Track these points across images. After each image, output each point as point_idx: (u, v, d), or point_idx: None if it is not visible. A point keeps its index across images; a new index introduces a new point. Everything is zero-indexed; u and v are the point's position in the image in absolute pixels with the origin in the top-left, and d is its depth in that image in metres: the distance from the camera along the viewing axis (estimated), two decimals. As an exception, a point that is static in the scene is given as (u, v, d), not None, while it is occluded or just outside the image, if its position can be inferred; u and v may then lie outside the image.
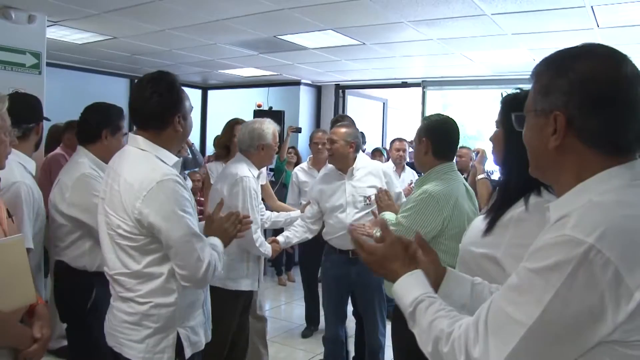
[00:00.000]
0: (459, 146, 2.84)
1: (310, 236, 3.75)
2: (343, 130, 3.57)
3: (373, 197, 3.38)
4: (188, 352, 2.04)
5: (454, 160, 2.72)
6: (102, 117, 2.76)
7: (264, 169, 4.16)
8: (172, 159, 2.05)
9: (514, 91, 1.78)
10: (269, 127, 3.35)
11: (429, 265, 1.36)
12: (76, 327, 2.69)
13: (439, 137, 2.61)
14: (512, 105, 1.70)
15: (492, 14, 4.33)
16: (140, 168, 1.95)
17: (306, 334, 5.20)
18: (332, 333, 3.76)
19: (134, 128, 2.10)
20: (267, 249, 3.32)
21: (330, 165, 3.75)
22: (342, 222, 3.52)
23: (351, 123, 4.75)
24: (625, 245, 0.90)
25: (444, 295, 1.29)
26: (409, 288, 1.25)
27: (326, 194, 3.63)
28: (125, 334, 1.98)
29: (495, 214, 1.72)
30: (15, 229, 1.94)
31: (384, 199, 3.08)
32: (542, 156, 1.12)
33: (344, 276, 3.60)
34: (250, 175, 3.20)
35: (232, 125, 4.44)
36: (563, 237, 0.93)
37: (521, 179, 1.59)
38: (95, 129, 2.72)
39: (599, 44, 1.09)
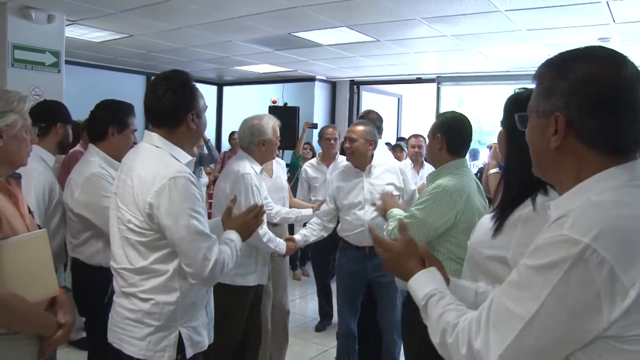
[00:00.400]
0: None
1: (326, 234, 3.74)
2: (362, 128, 3.55)
3: (395, 194, 3.40)
4: (189, 352, 2.03)
5: (466, 157, 2.75)
6: (108, 115, 2.77)
7: (281, 163, 4.22)
8: (186, 157, 2.06)
9: (518, 90, 1.79)
10: (269, 122, 3.33)
11: None
12: (94, 321, 2.75)
13: (452, 133, 2.65)
14: (514, 105, 1.72)
15: (505, 10, 4.33)
16: (154, 164, 1.95)
17: (319, 327, 5.23)
18: (346, 329, 3.77)
19: (150, 126, 2.13)
20: (278, 244, 3.32)
21: (346, 162, 3.73)
22: (360, 219, 3.51)
23: (377, 118, 4.81)
24: (620, 244, 0.92)
25: None
26: (424, 284, 1.32)
27: (344, 191, 3.61)
28: (126, 330, 1.98)
29: (502, 214, 1.73)
30: (34, 225, 2.00)
31: (389, 202, 3.09)
32: (543, 156, 1.15)
33: (359, 272, 3.60)
34: (252, 172, 3.18)
35: None
36: (560, 237, 0.96)
37: (524, 178, 1.60)
38: (102, 126, 2.75)
39: (600, 47, 1.11)
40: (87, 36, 5.89)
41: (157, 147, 2.02)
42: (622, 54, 1.07)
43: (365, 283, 3.64)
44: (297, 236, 3.62)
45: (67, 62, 5.10)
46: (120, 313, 2.01)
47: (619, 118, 1.04)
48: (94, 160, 2.73)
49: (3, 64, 4.51)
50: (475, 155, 8.37)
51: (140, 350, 1.95)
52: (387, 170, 3.59)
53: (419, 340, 2.50)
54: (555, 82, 1.09)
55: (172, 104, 2.00)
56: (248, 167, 3.19)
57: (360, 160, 3.56)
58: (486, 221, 1.79)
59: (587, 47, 1.11)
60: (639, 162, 1.08)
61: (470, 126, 2.72)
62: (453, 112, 2.78)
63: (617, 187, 1.03)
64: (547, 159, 1.14)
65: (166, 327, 1.97)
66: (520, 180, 1.68)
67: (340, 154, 4.83)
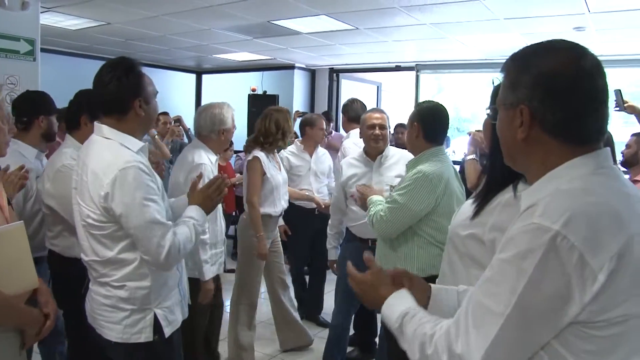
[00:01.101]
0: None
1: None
2: (385, 115, 3.57)
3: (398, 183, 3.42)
4: (167, 332, 2.10)
5: (444, 145, 2.82)
6: (80, 104, 2.76)
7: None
8: (137, 144, 2.06)
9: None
10: (229, 111, 3.35)
11: (415, 290, 1.41)
12: (72, 313, 2.74)
13: (428, 122, 2.74)
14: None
15: (483, -1, 4.37)
16: (104, 156, 1.97)
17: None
18: (340, 321, 3.78)
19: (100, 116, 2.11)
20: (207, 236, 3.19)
21: (355, 150, 3.80)
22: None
23: (361, 107, 4.84)
24: (587, 230, 0.96)
25: (435, 311, 1.35)
26: (394, 306, 1.31)
27: (352, 180, 3.59)
28: (104, 316, 2.06)
29: (482, 199, 1.78)
30: (15, 216, 1.99)
31: (366, 192, 3.08)
32: (512, 147, 1.20)
33: (362, 265, 3.58)
34: (207, 162, 3.16)
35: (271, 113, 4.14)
36: (531, 226, 1.00)
37: (506, 166, 1.64)
38: (75, 115, 2.74)
39: (561, 40, 1.15)
40: (62, 24, 5.80)
41: (107, 138, 2.03)
42: (582, 46, 1.12)
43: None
44: (334, 257, 3.91)
45: (42, 50, 5.01)
46: (96, 300, 2.08)
47: (580, 108, 1.09)
48: (67, 151, 2.72)
49: (-23, 53, 4.44)
50: (446, 143, 8.43)
51: (118, 333, 2.03)
52: (398, 161, 3.53)
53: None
54: (520, 75, 1.14)
55: (118, 91, 2.01)
56: (204, 157, 3.19)
57: (383, 149, 3.57)
58: (467, 205, 1.85)
59: (549, 41, 1.16)
60: (604, 151, 1.13)
61: (446, 115, 2.81)
62: (429, 102, 2.88)
63: (585, 175, 1.08)
64: (515, 150, 1.20)
65: (141, 310, 2.04)
66: (503, 166, 1.71)
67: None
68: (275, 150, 4.16)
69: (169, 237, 2.00)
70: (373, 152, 3.56)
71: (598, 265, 0.95)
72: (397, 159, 3.56)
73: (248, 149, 4.11)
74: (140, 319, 2.05)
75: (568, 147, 1.10)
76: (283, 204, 4.12)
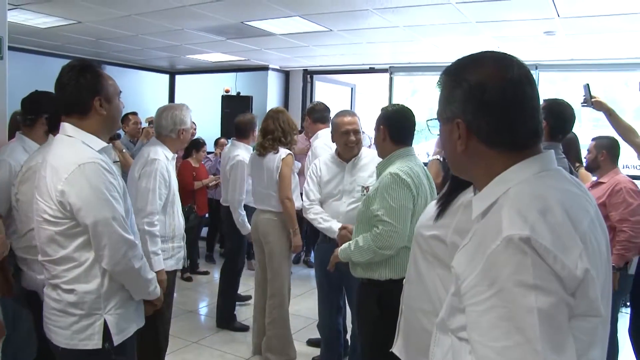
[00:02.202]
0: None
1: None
2: (357, 119, 3.57)
3: (371, 188, 3.35)
4: (116, 340, 2.05)
5: (411, 145, 2.86)
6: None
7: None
8: (100, 144, 2.07)
9: None
10: (188, 111, 3.44)
11: None
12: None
13: (393, 124, 2.79)
14: None
15: (456, 3, 4.41)
16: (64, 152, 1.99)
17: None
18: (323, 322, 3.80)
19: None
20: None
21: (326, 151, 3.86)
22: (336, 210, 3.53)
23: (325, 108, 4.86)
24: (551, 233, 0.98)
25: None
26: None
27: (323, 180, 3.64)
28: (52, 320, 2.03)
29: (445, 200, 1.81)
30: None
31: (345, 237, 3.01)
32: (455, 159, 1.23)
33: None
34: (162, 158, 3.18)
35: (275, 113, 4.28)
36: (505, 241, 0.98)
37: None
38: (55, 115, 2.73)
39: (490, 52, 1.20)
40: (32, 22, 5.69)
41: (69, 136, 2.04)
42: (510, 57, 1.17)
43: (340, 276, 3.53)
44: (336, 226, 3.48)
45: (11, 47, 4.89)
46: (48, 303, 2.06)
47: (510, 117, 1.13)
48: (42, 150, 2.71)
49: (-59, 51, 4.32)
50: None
51: (65, 339, 2.00)
52: (370, 162, 3.53)
53: (372, 322, 2.60)
54: (453, 90, 1.18)
55: (76, 90, 2.03)
56: (160, 153, 3.21)
57: (358, 152, 3.57)
58: (431, 206, 1.87)
59: (479, 54, 1.20)
60: (548, 154, 1.17)
61: (412, 116, 2.85)
62: (394, 105, 2.95)
63: (531, 178, 1.11)
64: (458, 162, 1.24)
65: (89, 316, 2.00)
66: None
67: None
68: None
69: (127, 237, 2.01)
70: (347, 156, 3.58)
71: (573, 263, 0.97)
72: (370, 159, 3.56)
73: (268, 149, 4.14)
74: (89, 325, 2.00)
75: (507, 155, 1.14)
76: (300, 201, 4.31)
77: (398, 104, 2.92)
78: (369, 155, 3.59)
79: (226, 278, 5.13)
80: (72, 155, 1.96)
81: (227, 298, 5.10)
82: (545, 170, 1.13)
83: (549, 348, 0.93)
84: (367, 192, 3.37)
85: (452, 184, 1.80)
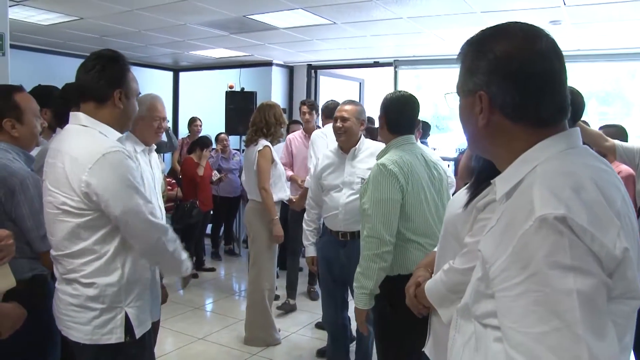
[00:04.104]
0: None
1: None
2: (353, 107, 3.52)
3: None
4: (138, 332, 2.03)
5: (414, 134, 2.81)
6: (67, 98, 2.69)
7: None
8: (115, 134, 2.03)
9: None
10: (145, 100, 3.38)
11: None
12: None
13: (391, 113, 2.75)
14: None
15: (460, -8, 4.36)
16: (84, 142, 1.94)
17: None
18: (327, 316, 3.77)
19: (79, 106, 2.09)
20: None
21: (322, 140, 3.88)
22: (336, 201, 3.51)
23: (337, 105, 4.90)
24: (587, 212, 0.92)
25: None
26: None
27: (325, 172, 3.63)
28: (71, 316, 1.97)
29: (474, 190, 1.76)
30: None
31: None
32: (475, 134, 1.18)
33: (334, 258, 3.57)
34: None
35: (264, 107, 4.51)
36: (539, 221, 0.93)
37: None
38: (64, 109, 2.64)
39: (516, 23, 1.14)
40: (34, 18, 5.67)
41: (84, 125, 1.99)
42: (538, 28, 1.11)
43: (341, 270, 3.54)
44: (313, 253, 3.76)
45: (13, 45, 4.88)
46: (63, 300, 1.98)
47: (538, 91, 1.07)
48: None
49: (-57, 48, 4.31)
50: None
51: (86, 335, 1.94)
52: (371, 154, 3.47)
53: (384, 317, 2.57)
54: (476, 61, 1.12)
55: (99, 77, 1.99)
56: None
57: (351, 141, 3.51)
58: (461, 194, 1.83)
59: (504, 24, 1.14)
60: (574, 131, 1.11)
61: (411, 104, 2.79)
62: (394, 92, 2.88)
63: (559, 155, 1.05)
64: (478, 137, 1.17)
65: (111, 309, 1.95)
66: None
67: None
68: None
69: (157, 222, 2.00)
70: (341, 145, 3.56)
71: (612, 242, 0.92)
72: (372, 151, 3.51)
73: (251, 141, 4.41)
74: (111, 318, 1.96)
75: (531, 131, 1.08)
76: (287, 191, 4.56)
77: (399, 92, 2.86)
78: (371, 147, 3.56)
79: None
80: (94, 145, 1.91)
81: None
82: (572, 148, 1.07)
83: (590, 333, 0.87)
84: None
85: (479, 176, 1.75)
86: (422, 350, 1.94)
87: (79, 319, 1.96)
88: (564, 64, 1.10)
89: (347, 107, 3.52)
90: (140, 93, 2.19)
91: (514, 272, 0.94)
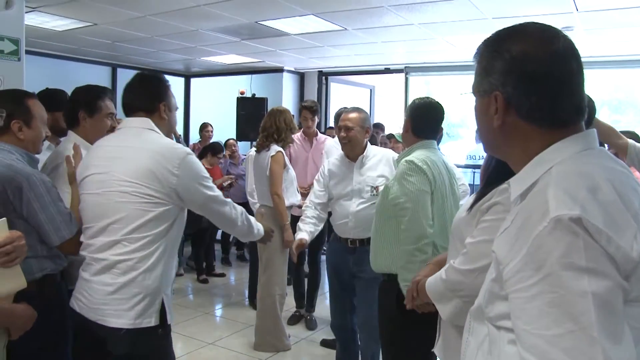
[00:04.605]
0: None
1: (321, 226, 3.76)
2: (357, 115, 3.48)
3: (381, 188, 3.24)
4: (169, 318, 2.15)
5: (436, 140, 2.83)
6: (77, 101, 2.74)
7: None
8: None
9: None
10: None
11: None
12: None
13: (417, 117, 2.76)
14: None
15: (471, -2, 4.36)
16: (164, 141, 2.20)
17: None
18: (337, 322, 3.74)
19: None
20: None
21: (336, 149, 3.74)
22: (346, 210, 3.48)
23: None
24: (603, 213, 0.91)
25: None
26: None
27: (334, 181, 3.59)
28: (110, 305, 2.04)
29: (479, 193, 1.78)
30: None
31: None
32: (490, 135, 1.17)
33: (342, 265, 3.54)
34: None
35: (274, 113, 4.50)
36: (554, 221, 0.91)
37: (500, 164, 1.64)
38: (73, 112, 2.72)
39: (534, 23, 1.13)
40: (48, 24, 5.73)
41: (150, 129, 2.22)
42: (555, 29, 1.10)
43: (350, 276, 3.53)
44: (304, 235, 3.61)
45: (28, 52, 4.95)
46: (102, 290, 2.06)
47: (554, 92, 1.06)
48: (70, 147, 2.66)
49: (-41, 52, 4.37)
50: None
51: (129, 320, 2.03)
52: (379, 162, 3.50)
53: (391, 318, 2.56)
54: (492, 61, 1.11)
55: (146, 92, 2.28)
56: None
57: (356, 150, 3.49)
58: (470, 199, 1.84)
59: (521, 24, 1.13)
60: (591, 132, 1.10)
61: (438, 111, 2.80)
62: (422, 98, 2.87)
63: (575, 156, 1.04)
64: (493, 138, 1.17)
65: (153, 295, 2.08)
66: (497, 164, 1.71)
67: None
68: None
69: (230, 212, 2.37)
70: (346, 153, 3.54)
71: (628, 244, 0.90)
72: (379, 158, 3.51)
73: (262, 146, 4.41)
74: (151, 303, 2.07)
75: (547, 132, 1.07)
76: (298, 195, 4.55)
77: (426, 98, 2.87)
78: (378, 154, 3.54)
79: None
80: (176, 145, 2.21)
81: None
82: (589, 149, 1.06)
83: (605, 336, 0.85)
84: (376, 192, 3.34)
85: (487, 180, 1.76)
86: (432, 350, 1.94)
87: (120, 306, 2.04)
88: (581, 65, 1.09)
89: (351, 115, 3.49)
90: (177, 108, 2.43)
91: (528, 273, 0.93)
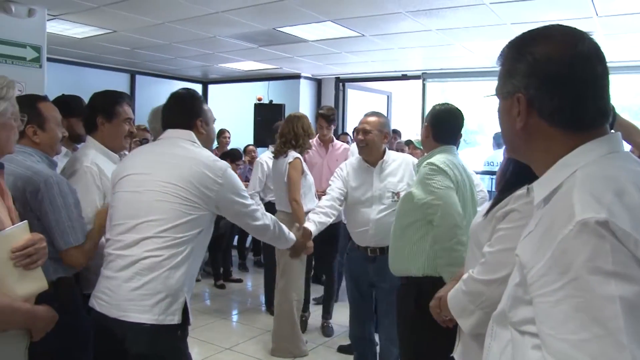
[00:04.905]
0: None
1: (336, 215, 3.62)
2: (376, 119, 3.44)
3: (402, 194, 3.19)
4: (191, 318, 2.19)
5: (454, 145, 2.84)
6: (95, 106, 2.75)
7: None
8: None
9: None
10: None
11: None
12: None
13: (438, 123, 2.77)
14: None
15: (490, 3, 4.34)
16: (205, 153, 2.31)
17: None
18: (355, 331, 3.68)
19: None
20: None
21: (357, 156, 3.62)
22: (366, 217, 3.41)
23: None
24: (630, 216, 0.90)
25: None
26: None
27: (353, 185, 3.51)
28: (135, 301, 2.07)
29: (496, 198, 1.77)
30: (18, 218, 1.96)
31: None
32: (512, 137, 1.17)
33: (362, 274, 3.51)
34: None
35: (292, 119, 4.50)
36: (580, 225, 0.90)
37: (518, 170, 1.63)
38: (91, 117, 2.71)
39: (558, 25, 1.12)
40: (69, 32, 5.82)
41: (192, 142, 2.34)
42: (580, 31, 1.09)
43: (369, 286, 3.51)
44: (310, 226, 3.48)
45: (49, 59, 5.03)
46: (126, 287, 2.10)
47: (578, 94, 1.05)
48: (89, 152, 2.66)
49: (-18, 59, 4.45)
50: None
51: (153, 316, 2.07)
52: (399, 166, 3.45)
53: (410, 321, 2.55)
54: (516, 63, 1.11)
55: (183, 110, 2.41)
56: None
57: (374, 154, 3.44)
58: (486, 205, 1.83)
59: (545, 27, 1.13)
60: (615, 135, 1.09)
61: (458, 118, 2.82)
62: (443, 104, 2.88)
63: (600, 159, 1.02)
64: (515, 140, 1.16)
65: (176, 293, 2.12)
66: (515, 169, 1.69)
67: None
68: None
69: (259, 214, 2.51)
70: (365, 157, 3.49)
71: None
72: (399, 163, 3.47)
73: (280, 152, 4.41)
74: (174, 301, 2.10)
75: (571, 135, 1.06)
76: (316, 201, 4.47)
77: (447, 104, 2.86)
78: (398, 159, 3.50)
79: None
80: (217, 158, 2.31)
81: None
82: (614, 152, 1.05)
83: (634, 341, 0.83)
84: (397, 198, 3.29)
85: (505, 185, 1.74)
86: (452, 355, 1.92)
87: (145, 302, 2.07)
88: (606, 68, 1.07)
89: (370, 119, 3.44)
90: (215, 119, 2.57)
91: (553, 277, 0.91)
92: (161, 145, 2.39)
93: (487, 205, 1.79)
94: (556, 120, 1.07)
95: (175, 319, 2.10)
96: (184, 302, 2.13)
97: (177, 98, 2.45)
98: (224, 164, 2.29)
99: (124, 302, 2.08)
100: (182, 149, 2.29)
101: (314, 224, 3.49)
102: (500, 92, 1.17)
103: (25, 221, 1.89)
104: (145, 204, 2.16)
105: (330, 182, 3.67)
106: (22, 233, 1.83)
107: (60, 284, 2.26)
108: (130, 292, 2.08)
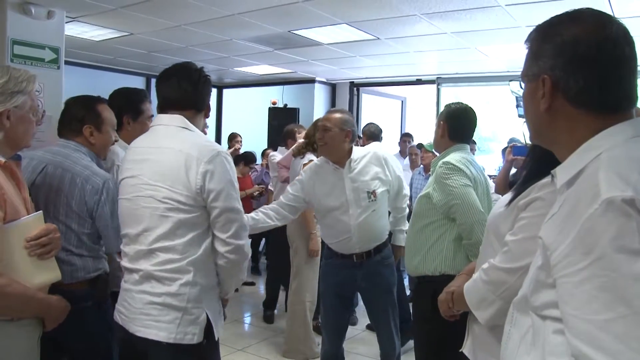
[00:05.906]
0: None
1: (279, 224, 3.25)
2: (337, 116, 3.17)
3: (379, 191, 3.14)
4: (217, 333, 2.01)
5: (469, 145, 2.88)
6: (119, 105, 2.76)
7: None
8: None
9: None
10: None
11: None
12: None
13: (454, 122, 2.79)
14: None
15: (505, 5, 4.32)
16: (196, 139, 2.01)
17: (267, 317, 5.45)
18: (332, 347, 3.40)
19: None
20: None
21: (321, 158, 3.31)
22: (344, 225, 3.14)
23: (377, 129, 5.35)
24: None
25: None
26: None
27: (321, 192, 3.19)
28: (152, 315, 1.93)
29: (520, 187, 1.74)
30: (33, 209, 1.98)
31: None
32: (536, 120, 1.16)
33: (347, 282, 3.27)
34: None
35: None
36: (606, 203, 0.89)
37: (544, 158, 1.61)
38: (116, 116, 2.68)
39: (587, 8, 1.11)
40: (87, 34, 5.88)
41: (183, 127, 2.04)
42: (608, 15, 1.09)
43: (353, 294, 3.44)
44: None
45: (66, 62, 5.06)
46: (141, 299, 1.96)
47: (604, 76, 1.04)
48: (119, 151, 2.70)
49: (2, 60, 4.48)
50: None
51: (171, 334, 1.91)
52: (369, 162, 3.20)
53: (426, 319, 2.54)
54: (542, 45, 1.11)
55: (203, 90, 2.14)
56: None
57: (335, 154, 3.16)
58: (506, 197, 1.81)
59: (574, 10, 1.12)
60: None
61: (473, 117, 2.84)
62: (458, 103, 2.89)
63: (625, 141, 1.01)
64: (539, 123, 1.15)
65: (194, 309, 1.94)
66: (541, 157, 1.67)
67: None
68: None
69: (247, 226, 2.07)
70: (327, 157, 3.22)
71: None
72: (368, 159, 3.21)
73: (299, 153, 4.47)
74: (195, 319, 1.94)
75: (595, 117, 1.05)
76: None
77: (461, 103, 2.87)
78: (366, 155, 3.23)
79: None
80: (208, 142, 2.02)
81: None
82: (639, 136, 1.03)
83: None
84: (374, 197, 3.12)
85: (528, 174, 1.73)
86: (461, 350, 1.90)
87: (161, 318, 1.92)
88: (635, 52, 1.06)
89: (331, 115, 3.21)
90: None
91: (577, 257, 0.90)
92: (145, 137, 2.15)
93: (508, 195, 1.77)
94: (581, 102, 1.06)
95: (194, 339, 1.93)
96: (205, 320, 1.96)
97: (200, 73, 2.14)
98: (217, 147, 2.01)
99: (140, 315, 1.95)
100: (167, 139, 2.02)
101: (250, 218, 3.06)
102: (525, 74, 1.16)
103: (40, 212, 1.92)
104: (136, 212, 1.99)
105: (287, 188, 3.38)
106: (37, 223, 1.86)
107: (97, 281, 2.29)
108: (145, 305, 1.94)
